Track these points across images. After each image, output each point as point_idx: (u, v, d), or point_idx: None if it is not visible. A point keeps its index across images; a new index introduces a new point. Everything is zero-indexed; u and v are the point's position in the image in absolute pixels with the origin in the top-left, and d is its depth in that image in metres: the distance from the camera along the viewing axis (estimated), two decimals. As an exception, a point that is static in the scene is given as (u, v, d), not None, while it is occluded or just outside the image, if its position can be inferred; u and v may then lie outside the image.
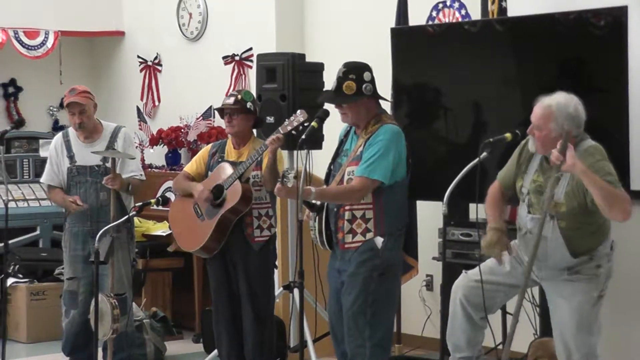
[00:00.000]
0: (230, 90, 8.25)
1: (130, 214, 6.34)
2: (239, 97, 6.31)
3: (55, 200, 6.94)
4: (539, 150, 5.11)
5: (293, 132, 5.94)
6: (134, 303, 7.05)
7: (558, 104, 5.03)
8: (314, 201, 5.33)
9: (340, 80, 5.34)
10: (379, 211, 5.32)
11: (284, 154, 6.42)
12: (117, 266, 6.42)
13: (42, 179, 7.00)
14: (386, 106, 6.15)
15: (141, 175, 6.79)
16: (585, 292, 5.07)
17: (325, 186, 5.46)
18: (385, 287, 5.34)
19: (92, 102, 6.73)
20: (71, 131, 6.87)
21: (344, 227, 5.34)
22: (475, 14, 6.99)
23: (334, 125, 5.61)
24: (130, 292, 6.75)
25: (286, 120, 6.01)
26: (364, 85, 5.34)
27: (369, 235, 5.31)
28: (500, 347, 5.49)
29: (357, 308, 5.31)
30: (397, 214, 5.38)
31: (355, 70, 5.35)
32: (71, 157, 6.75)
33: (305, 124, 5.80)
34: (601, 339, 5.18)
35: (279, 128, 5.99)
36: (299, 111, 5.97)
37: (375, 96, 5.41)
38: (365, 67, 5.40)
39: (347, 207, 5.33)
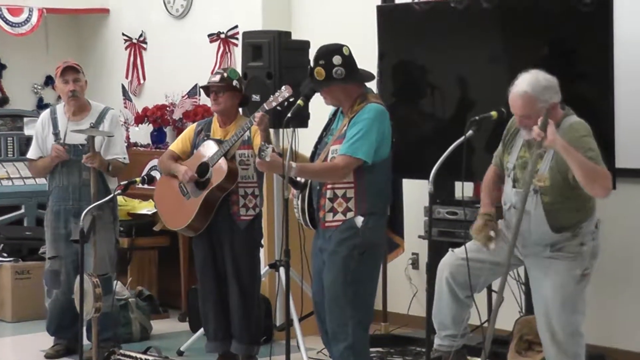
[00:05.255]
0: (216, 69, 8.21)
1: (115, 194, 6.28)
2: (225, 75, 6.31)
3: (38, 167, 6.82)
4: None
5: (278, 107, 5.92)
6: (119, 282, 7.03)
7: (530, 84, 4.97)
8: (297, 179, 5.30)
9: (312, 66, 5.29)
10: (360, 190, 5.27)
11: (269, 132, 6.39)
12: (99, 246, 6.36)
13: (28, 154, 6.95)
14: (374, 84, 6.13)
15: (124, 158, 6.75)
16: (568, 270, 5.05)
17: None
18: (366, 266, 5.30)
19: (84, 76, 6.74)
20: (59, 108, 6.85)
21: (325, 206, 5.30)
22: (462, -8, 6.96)
23: (321, 103, 5.58)
24: (114, 272, 6.71)
25: (271, 96, 5.99)
26: (334, 70, 5.23)
27: (350, 215, 5.27)
28: (485, 325, 5.49)
29: (337, 287, 5.28)
30: (379, 194, 5.33)
31: (325, 56, 5.26)
32: (56, 135, 6.72)
33: (290, 100, 5.78)
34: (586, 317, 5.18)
35: (264, 104, 5.99)
36: (283, 87, 5.95)
37: (352, 78, 5.29)
38: (336, 51, 5.27)
39: (329, 186, 5.29)
